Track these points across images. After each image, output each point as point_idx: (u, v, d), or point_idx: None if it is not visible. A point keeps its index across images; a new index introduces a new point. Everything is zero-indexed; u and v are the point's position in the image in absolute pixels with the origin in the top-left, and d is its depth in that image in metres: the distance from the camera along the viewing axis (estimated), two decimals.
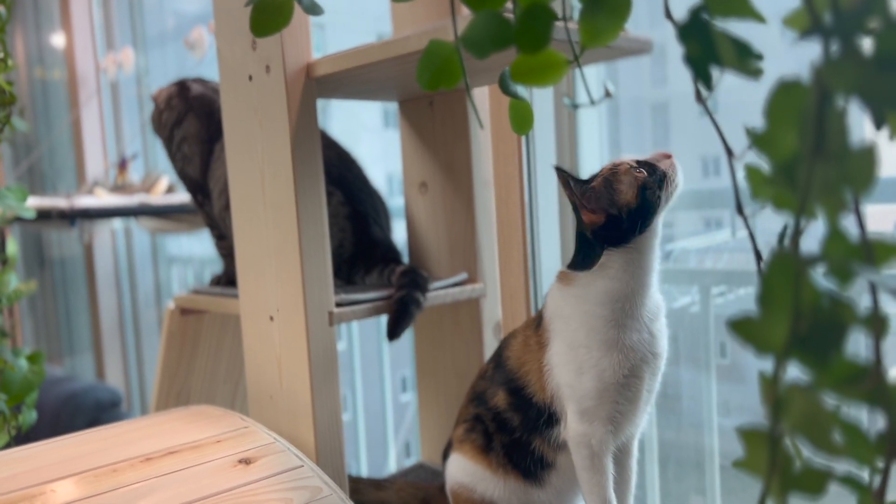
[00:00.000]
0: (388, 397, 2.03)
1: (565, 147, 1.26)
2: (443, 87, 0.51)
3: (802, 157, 0.34)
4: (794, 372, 0.35)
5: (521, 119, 0.60)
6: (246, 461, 0.86)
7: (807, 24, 0.34)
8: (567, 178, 0.82)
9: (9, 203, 1.14)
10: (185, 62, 2.18)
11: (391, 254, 1.18)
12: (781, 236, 0.42)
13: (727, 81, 0.45)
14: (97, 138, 2.59)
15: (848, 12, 0.33)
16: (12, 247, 1.21)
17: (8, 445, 1.15)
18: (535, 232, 1.21)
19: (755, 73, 0.42)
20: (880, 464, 0.34)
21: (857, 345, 1.19)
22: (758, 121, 0.37)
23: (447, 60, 0.51)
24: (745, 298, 1.55)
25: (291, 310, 0.97)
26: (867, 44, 0.33)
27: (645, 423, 0.88)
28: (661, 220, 0.82)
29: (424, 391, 1.32)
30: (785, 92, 0.35)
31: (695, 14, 0.41)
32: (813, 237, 0.36)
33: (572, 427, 0.83)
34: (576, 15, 0.47)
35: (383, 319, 2.04)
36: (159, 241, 2.64)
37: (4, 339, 1.20)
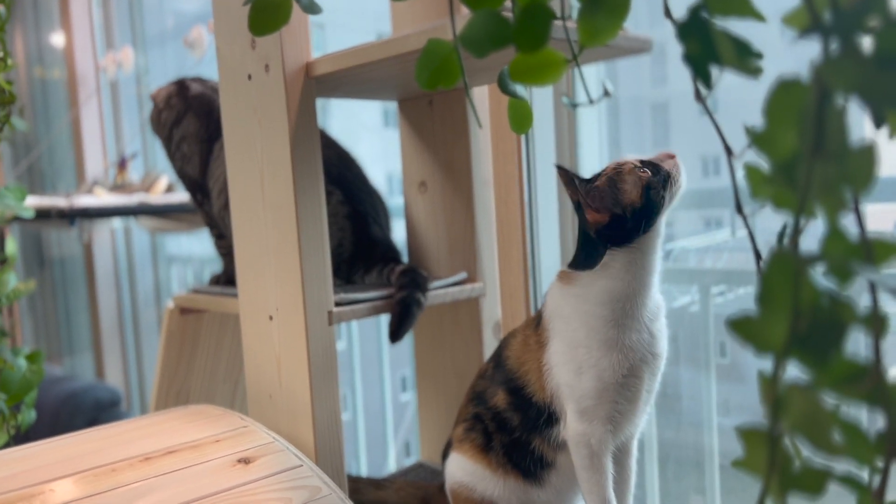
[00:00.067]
0: (387, 397, 2.03)
1: (565, 146, 1.26)
2: (441, 87, 0.51)
3: (802, 156, 0.34)
4: (794, 371, 0.35)
5: (520, 118, 0.60)
6: (245, 461, 0.86)
7: (806, 22, 0.34)
8: (570, 177, 0.82)
9: (8, 202, 1.14)
10: (184, 61, 2.18)
11: (391, 253, 1.18)
12: (781, 235, 0.42)
13: (727, 80, 0.45)
14: (97, 138, 2.59)
15: (847, 11, 0.32)
16: (11, 246, 1.21)
17: (7, 445, 1.15)
18: (535, 231, 1.21)
19: (755, 72, 0.42)
20: (880, 463, 0.34)
21: (857, 344, 1.19)
22: (758, 120, 0.37)
23: (446, 59, 0.50)
24: (744, 298, 1.55)
25: (291, 309, 0.97)
26: (867, 42, 0.33)
27: (644, 422, 0.88)
28: (664, 220, 0.82)
29: (424, 391, 1.32)
30: (784, 91, 0.35)
31: (694, 13, 0.41)
32: (813, 236, 0.35)
33: (572, 426, 0.82)
34: (574, 14, 0.47)
35: (383, 319, 2.05)
36: (159, 241, 2.64)
37: (4, 338, 1.20)
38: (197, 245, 2.57)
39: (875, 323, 0.33)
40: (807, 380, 0.34)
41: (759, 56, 0.42)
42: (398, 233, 1.27)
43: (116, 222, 2.53)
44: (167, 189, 2.19)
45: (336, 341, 1.00)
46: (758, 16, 0.43)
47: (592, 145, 1.30)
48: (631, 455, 0.89)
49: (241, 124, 1.01)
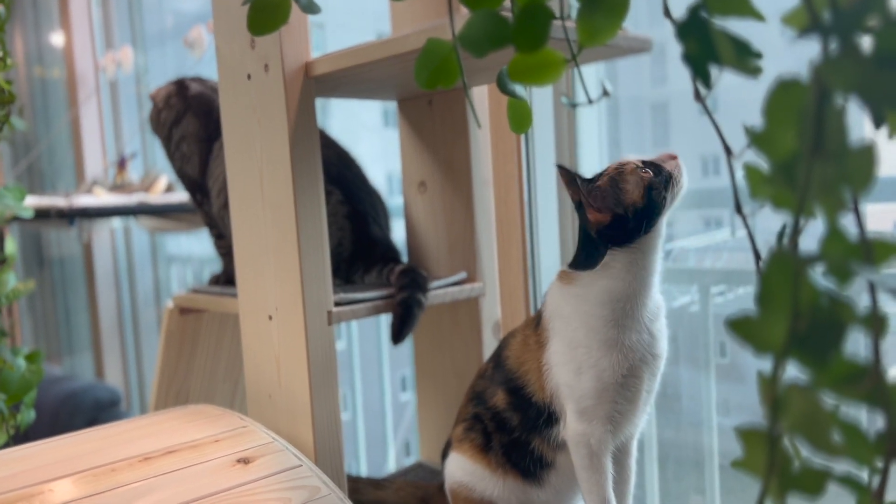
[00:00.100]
0: (387, 396, 2.03)
1: (564, 146, 1.25)
2: (440, 86, 0.51)
3: (801, 156, 0.34)
4: (793, 371, 0.35)
5: (520, 118, 0.60)
6: (244, 461, 0.86)
7: (806, 22, 0.34)
8: (572, 177, 0.82)
9: (7, 202, 1.14)
10: (184, 61, 2.18)
11: (390, 253, 1.18)
12: (780, 235, 0.42)
13: (727, 80, 0.45)
14: (96, 137, 2.59)
15: (847, 10, 0.32)
16: (11, 246, 1.21)
17: (6, 445, 1.15)
18: (535, 231, 1.21)
19: (754, 72, 0.42)
20: (879, 464, 0.34)
21: (857, 345, 1.19)
22: (758, 120, 0.37)
23: (445, 59, 0.50)
24: (744, 298, 1.55)
25: (290, 309, 0.97)
26: (866, 42, 0.33)
27: (644, 422, 0.88)
28: (665, 221, 0.82)
29: (423, 390, 1.32)
30: (783, 91, 0.35)
31: (693, 12, 0.41)
32: (812, 236, 0.35)
33: (571, 426, 0.82)
34: (574, 14, 0.47)
35: (383, 319, 2.04)
36: (158, 241, 2.63)
37: (3, 338, 1.20)
38: (197, 245, 2.57)
39: (874, 323, 0.33)
40: (806, 380, 0.34)
41: (758, 56, 0.42)
42: (398, 232, 1.27)
43: (116, 222, 2.53)
44: (167, 189, 2.19)
45: (336, 341, 1.00)
46: (757, 15, 0.43)
47: (592, 145, 1.30)
48: (630, 455, 0.89)
49: (241, 124, 1.01)
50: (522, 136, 1.18)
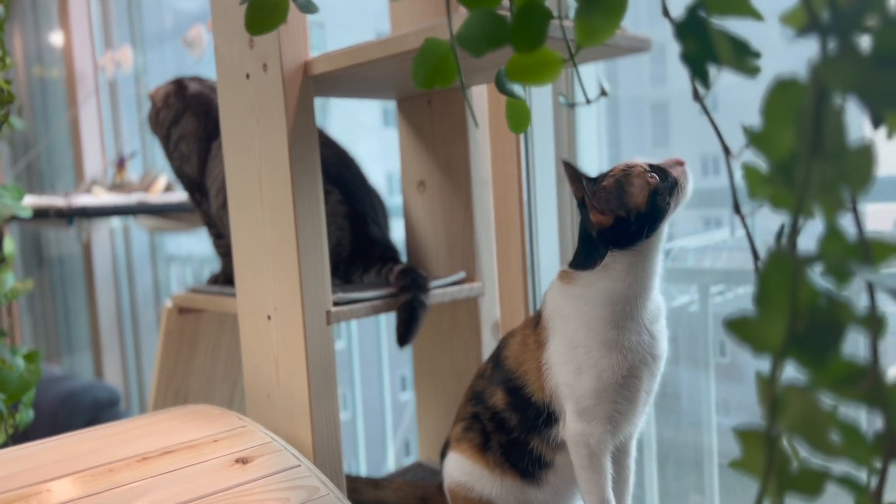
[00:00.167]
0: (386, 396, 2.03)
1: (564, 146, 1.25)
2: (438, 86, 0.51)
3: (800, 155, 0.34)
4: (792, 372, 0.35)
5: (518, 118, 0.60)
6: (243, 460, 0.86)
7: (804, 21, 0.34)
8: (577, 175, 0.81)
9: (5, 202, 1.14)
10: (183, 61, 2.18)
11: (389, 253, 1.18)
12: (779, 235, 0.42)
13: (728, 80, 0.45)
14: (95, 137, 2.58)
15: (845, 10, 0.32)
16: (9, 245, 1.21)
17: (5, 444, 1.15)
18: (534, 231, 1.21)
19: (752, 71, 0.41)
20: (878, 464, 0.33)
21: (857, 345, 1.19)
22: (757, 119, 0.37)
23: (443, 59, 0.50)
24: (743, 297, 1.55)
25: (289, 308, 0.97)
26: (865, 42, 0.32)
27: (644, 422, 0.88)
28: (667, 225, 0.81)
29: (423, 390, 1.31)
30: (782, 90, 0.34)
31: (692, 12, 0.41)
32: (812, 236, 0.35)
33: (571, 426, 0.82)
34: (572, 13, 0.47)
35: (383, 318, 2.04)
36: (158, 240, 2.63)
37: (2, 337, 1.20)
38: (196, 244, 2.57)
39: (873, 323, 0.33)
40: (804, 380, 0.34)
41: (756, 55, 0.42)
42: (397, 232, 1.27)
43: (115, 221, 2.53)
44: (166, 188, 2.19)
45: (335, 341, 1.00)
46: (756, 15, 0.42)
47: (591, 145, 1.30)
48: (630, 455, 0.89)
49: (240, 123, 1.01)
50: (522, 136, 1.18)
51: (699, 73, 0.42)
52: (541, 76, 0.50)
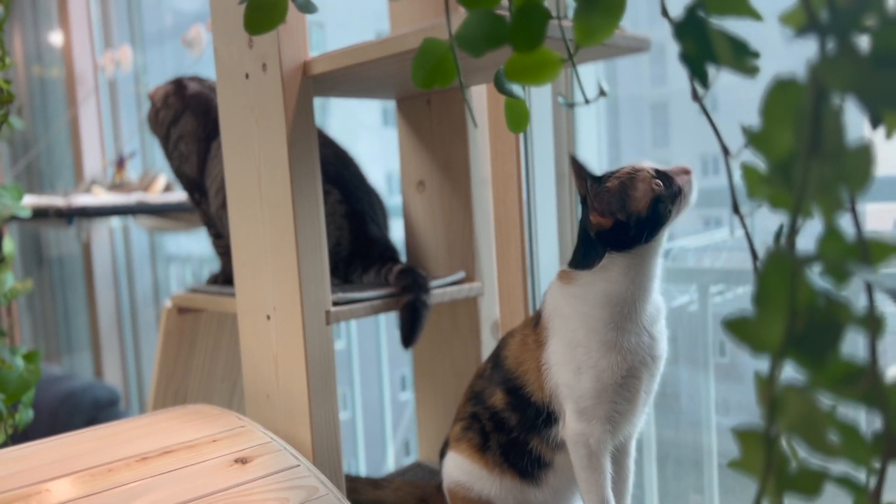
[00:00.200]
0: (386, 396, 2.03)
1: (563, 146, 1.25)
2: (437, 86, 0.51)
3: (798, 155, 0.34)
4: (791, 372, 0.35)
5: (517, 117, 0.60)
6: (242, 461, 0.86)
7: (803, 21, 0.34)
8: (582, 172, 0.81)
9: (5, 202, 1.14)
10: (183, 60, 2.18)
11: (388, 252, 1.18)
12: (778, 235, 0.42)
13: (727, 80, 0.45)
14: (95, 136, 2.58)
15: (844, 10, 0.32)
16: (9, 245, 1.21)
17: (4, 444, 1.15)
18: (533, 230, 1.21)
19: (751, 71, 0.41)
20: (876, 464, 0.33)
21: (856, 345, 1.19)
22: (757, 119, 0.37)
23: (441, 59, 0.50)
24: (743, 297, 1.55)
25: (288, 308, 0.97)
26: (864, 42, 0.32)
27: (643, 422, 0.88)
28: (666, 232, 0.81)
29: (422, 390, 1.31)
30: (781, 90, 0.34)
31: (691, 11, 0.41)
32: (811, 236, 0.35)
33: (570, 426, 0.82)
34: (570, 13, 0.47)
35: (382, 318, 2.04)
36: (157, 240, 2.63)
37: (2, 337, 1.20)
38: (196, 244, 2.57)
39: (871, 323, 0.33)
40: (803, 380, 0.34)
41: (755, 55, 0.42)
42: (396, 232, 1.27)
43: (115, 221, 2.53)
44: (165, 188, 2.19)
45: (335, 341, 1.00)
46: (755, 15, 0.42)
47: (591, 144, 1.30)
48: (629, 455, 0.89)
49: (239, 123, 1.01)
50: (521, 136, 1.17)
51: (698, 73, 0.42)
52: (540, 76, 0.49)
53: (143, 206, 2.05)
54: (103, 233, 2.54)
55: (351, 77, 0.96)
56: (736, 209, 0.44)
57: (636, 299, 0.80)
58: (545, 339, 0.85)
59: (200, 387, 1.40)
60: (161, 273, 2.64)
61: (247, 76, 0.98)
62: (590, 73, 1.26)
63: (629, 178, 0.79)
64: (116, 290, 2.58)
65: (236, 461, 0.85)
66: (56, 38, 2.66)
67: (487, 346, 1.21)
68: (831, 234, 0.34)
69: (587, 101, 0.59)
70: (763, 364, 0.35)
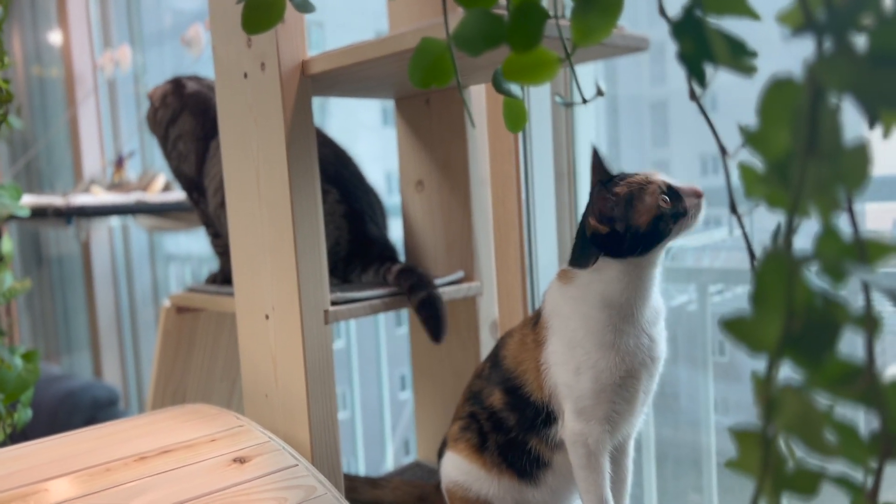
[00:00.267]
0: (385, 395, 2.03)
1: (563, 145, 1.25)
2: (435, 85, 0.51)
3: (795, 155, 0.34)
4: (788, 372, 0.35)
5: (515, 117, 0.60)
6: (240, 460, 0.86)
7: (800, 20, 0.34)
8: (599, 166, 0.80)
9: (3, 201, 1.14)
10: (182, 60, 2.18)
11: (387, 252, 1.18)
12: (775, 235, 0.42)
13: (727, 79, 0.45)
14: (94, 136, 2.58)
15: (841, 9, 0.32)
16: (7, 245, 1.21)
17: (3, 444, 1.15)
18: (532, 230, 1.21)
19: (749, 71, 0.41)
20: (873, 464, 0.33)
21: (855, 345, 1.19)
22: (755, 119, 0.37)
23: (439, 58, 0.50)
24: (742, 297, 1.55)
25: (287, 308, 0.97)
26: (861, 41, 0.32)
27: (642, 421, 0.88)
28: (664, 248, 0.80)
29: (421, 390, 1.31)
30: (777, 89, 0.34)
31: (688, 11, 0.41)
32: (810, 236, 0.35)
33: (569, 426, 0.82)
34: (568, 13, 0.47)
35: (382, 317, 2.04)
36: (157, 239, 2.63)
37: (1, 337, 1.20)
38: (195, 244, 2.57)
39: (868, 323, 0.33)
40: (800, 380, 0.34)
41: (753, 54, 0.42)
42: (396, 232, 1.27)
43: (114, 221, 2.53)
44: (164, 188, 2.19)
45: (333, 340, 1.00)
46: (752, 14, 0.42)
47: (590, 144, 1.30)
48: (628, 455, 0.89)
49: (237, 123, 1.01)
50: (520, 135, 1.17)
51: (695, 73, 0.42)
52: (537, 76, 0.49)
53: (142, 206, 2.04)
54: (102, 232, 2.54)
55: (349, 76, 0.96)
56: (733, 209, 0.44)
57: (634, 303, 0.80)
58: (544, 338, 0.85)
59: (199, 386, 1.40)
60: (160, 272, 2.64)
61: (245, 75, 0.98)
62: (589, 73, 1.26)
63: (639, 189, 0.77)
64: (116, 289, 2.58)
65: (234, 461, 0.85)
66: (55, 37, 2.66)
67: (486, 346, 1.21)
68: (828, 233, 0.34)
69: (584, 101, 0.59)
70: (761, 364, 0.35)
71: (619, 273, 0.79)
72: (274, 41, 0.92)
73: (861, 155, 0.32)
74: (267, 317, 1.01)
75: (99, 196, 2.07)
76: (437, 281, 1.13)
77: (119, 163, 2.33)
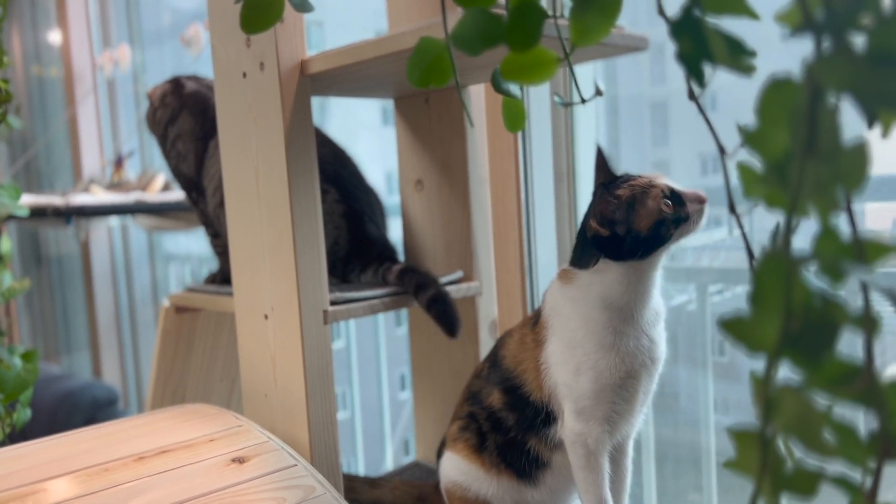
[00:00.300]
0: (385, 395, 2.03)
1: (562, 145, 1.25)
2: (433, 85, 0.51)
3: (794, 155, 0.34)
4: (786, 372, 0.35)
5: (514, 117, 0.60)
6: (239, 460, 0.85)
7: (799, 20, 0.34)
8: (603, 166, 0.80)
9: (2, 201, 1.14)
10: (181, 59, 2.18)
11: (387, 252, 1.18)
12: (774, 235, 0.42)
13: (727, 79, 0.45)
14: (93, 136, 2.58)
15: (840, 9, 0.32)
16: (6, 244, 1.21)
17: (2, 444, 1.15)
18: (532, 230, 1.21)
19: (748, 70, 0.41)
20: (872, 464, 0.33)
21: (854, 346, 1.19)
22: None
23: (437, 58, 0.50)
24: (742, 296, 1.54)
25: (286, 308, 0.96)
26: (859, 41, 0.32)
27: (641, 421, 0.88)
28: (665, 251, 0.80)
29: (420, 390, 1.31)
30: (776, 89, 0.34)
31: (687, 10, 0.41)
32: (809, 235, 0.35)
33: (569, 426, 0.82)
34: (567, 12, 0.47)
35: (381, 317, 2.04)
36: (156, 239, 2.63)
37: (0, 337, 1.20)
38: (195, 243, 2.57)
39: (867, 323, 0.33)
40: (799, 380, 0.34)
41: (752, 54, 0.41)
42: (395, 231, 1.27)
43: (113, 220, 2.53)
44: (164, 187, 2.19)
45: (332, 340, 1.00)
46: (751, 13, 0.42)
47: (590, 144, 1.29)
48: (627, 455, 0.89)
49: (236, 122, 1.01)
50: (520, 135, 1.17)
51: (694, 73, 0.42)
52: (536, 75, 0.49)
53: (141, 206, 2.04)
54: (102, 232, 2.54)
55: (348, 76, 0.96)
56: (732, 209, 0.44)
57: (634, 305, 0.79)
58: (544, 338, 0.85)
59: (199, 386, 1.40)
60: (160, 272, 2.64)
61: (244, 75, 0.98)
62: (588, 73, 1.26)
63: (641, 192, 0.77)
64: (115, 289, 2.58)
65: (233, 461, 0.85)
66: (55, 37, 2.66)
67: (485, 346, 1.21)
68: (827, 233, 0.34)
69: (583, 101, 0.59)
70: (760, 364, 0.35)
71: (620, 275, 0.79)
72: (273, 41, 0.92)
73: (860, 155, 0.32)
74: (266, 317, 1.01)
75: (98, 196, 2.06)
76: None
77: (118, 162, 2.33)
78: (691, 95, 0.44)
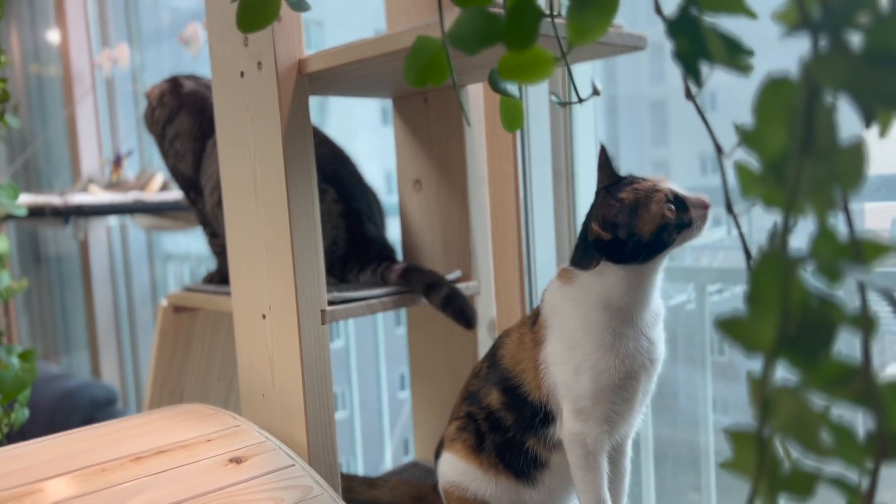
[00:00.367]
0: (384, 395, 2.03)
1: (560, 144, 1.25)
2: (430, 84, 0.51)
3: (791, 154, 0.33)
4: (784, 372, 0.34)
5: (511, 116, 0.60)
6: (237, 460, 0.85)
7: (796, 19, 0.33)
8: (606, 166, 0.80)
9: (1, 200, 1.13)
10: (180, 58, 2.17)
11: (385, 251, 1.18)
12: (772, 235, 0.42)
13: (725, 78, 0.45)
14: (92, 135, 2.58)
15: (837, 7, 0.32)
16: (4, 244, 1.20)
17: (0, 444, 1.14)
18: (530, 229, 1.21)
19: (745, 69, 0.41)
20: (869, 465, 0.33)
21: (852, 346, 1.19)
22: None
23: (434, 57, 0.50)
24: (740, 296, 1.54)
25: (283, 308, 0.96)
26: (856, 39, 0.32)
27: (640, 421, 0.88)
28: (667, 255, 0.80)
29: (419, 389, 1.31)
30: (773, 88, 0.34)
31: (684, 9, 0.41)
32: (807, 235, 0.35)
33: (568, 426, 0.82)
34: (564, 11, 0.47)
35: (380, 317, 2.03)
36: (155, 239, 2.63)
37: None
38: (193, 243, 2.57)
39: (864, 323, 0.33)
40: (796, 381, 0.34)
41: (749, 53, 0.41)
42: (394, 231, 1.27)
43: (112, 220, 2.53)
44: (162, 187, 2.19)
45: (330, 340, 1.00)
46: (749, 12, 0.42)
47: (589, 143, 1.29)
48: (626, 454, 0.89)
49: (234, 122, 1.01)
50: (518, 134, 1.17)
51: (691, 72, 0.42)
52: (533, 75, 0.49)
53: (139, 205, 2.04)
54: (100, 231, 2.54)
55: (346, 75, 0.95)
56: (730, 208, 0.44)
57: (634, 307, 0.79)
58: (543, 337, 0.85)
59: (197, 386, 1.40)
60: (158, 272, 2.64)
61: (242, 74, 0.98)
62: (587, 72, 1.26)
63: (645, 197, 0.76)
64: (114, 288, 2.58)
65: (231, 461, 0.85)
66: (53, 36, 2.65)
67: (484, 345, 1.21)
68: (824, 233, 0.34)
69: (580, 100, 0.59)
70: (757, 364, 0.35)
71: (620, 278, 0.79)
72: (270, 40, 0.91)
73: (857, 154, 0.32)
74: (264, 316, 1.01)
75: (97, 195, 2.06)
76: None
77: (117, 162, 2.32)
78: (688, 95, 0.44)
